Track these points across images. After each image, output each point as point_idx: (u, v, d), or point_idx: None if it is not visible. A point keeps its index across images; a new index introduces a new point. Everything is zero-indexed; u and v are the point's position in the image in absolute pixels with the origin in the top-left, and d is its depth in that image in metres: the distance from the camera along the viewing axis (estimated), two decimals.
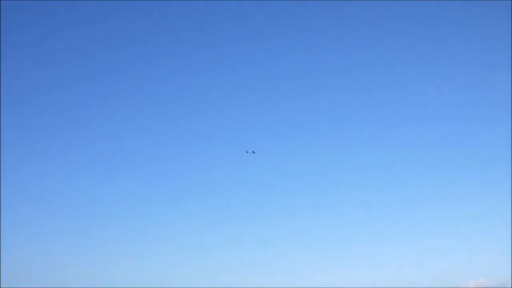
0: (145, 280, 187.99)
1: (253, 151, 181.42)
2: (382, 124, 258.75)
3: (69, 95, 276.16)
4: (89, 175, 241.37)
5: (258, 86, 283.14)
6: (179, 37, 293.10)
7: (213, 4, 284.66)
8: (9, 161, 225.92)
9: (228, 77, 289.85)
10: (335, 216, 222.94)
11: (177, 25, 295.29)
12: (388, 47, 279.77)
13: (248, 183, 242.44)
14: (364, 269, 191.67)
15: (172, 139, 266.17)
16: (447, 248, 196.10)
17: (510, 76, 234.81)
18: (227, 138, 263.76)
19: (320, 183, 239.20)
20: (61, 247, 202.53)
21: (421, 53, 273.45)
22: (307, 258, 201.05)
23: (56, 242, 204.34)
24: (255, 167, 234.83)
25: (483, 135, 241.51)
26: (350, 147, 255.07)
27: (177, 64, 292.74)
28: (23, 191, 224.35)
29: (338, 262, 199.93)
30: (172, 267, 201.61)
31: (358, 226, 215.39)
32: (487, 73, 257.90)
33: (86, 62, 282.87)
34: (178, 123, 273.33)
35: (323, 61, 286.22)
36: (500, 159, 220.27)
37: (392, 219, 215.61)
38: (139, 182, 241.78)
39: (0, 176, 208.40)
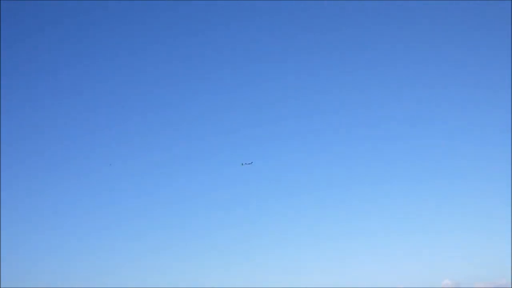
0: (145, 280, 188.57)
1: (251, 162, 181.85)
2: (382, 124, 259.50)
3: (70, 96, 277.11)
4: (90, 176, 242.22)
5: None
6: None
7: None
8: (10, 161, 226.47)
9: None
10: (334, 216, 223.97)
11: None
12: (388, 47, 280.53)
13: (246, 183, 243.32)
14: (363, 269, 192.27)
15: (171, 139, 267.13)
16: (445, 249, 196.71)
17: (510, 76, 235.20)
18: (223, 140, 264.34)
19: (319, 184, 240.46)
20: (61, 247, 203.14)
21: (421, 53, 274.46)
22: (306, 258, 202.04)
23: (56, 243, 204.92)
24: (252, 168, 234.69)
25: (483, 135, 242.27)
26: (348, 146, 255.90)
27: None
28: (24, 191, 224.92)
29: (338, 262, 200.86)
30: (172, 268, 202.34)
31: (357, 226, 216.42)
32: (487, 73, 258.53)
33: (86, 62, 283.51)
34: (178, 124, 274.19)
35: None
36: (500, 159, 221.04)
37: (392, 220, 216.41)
38: (139, 183, 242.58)
39: (0, 176, 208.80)
